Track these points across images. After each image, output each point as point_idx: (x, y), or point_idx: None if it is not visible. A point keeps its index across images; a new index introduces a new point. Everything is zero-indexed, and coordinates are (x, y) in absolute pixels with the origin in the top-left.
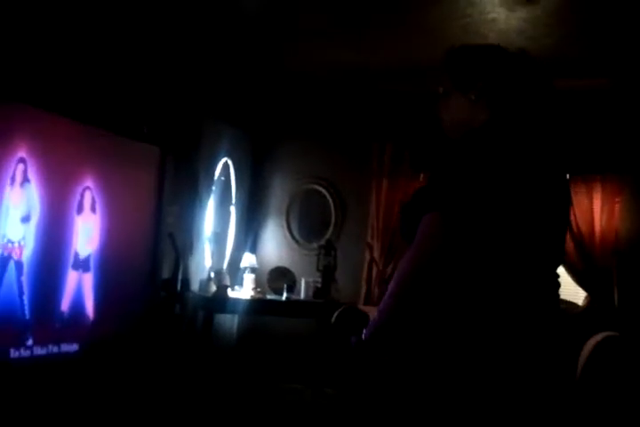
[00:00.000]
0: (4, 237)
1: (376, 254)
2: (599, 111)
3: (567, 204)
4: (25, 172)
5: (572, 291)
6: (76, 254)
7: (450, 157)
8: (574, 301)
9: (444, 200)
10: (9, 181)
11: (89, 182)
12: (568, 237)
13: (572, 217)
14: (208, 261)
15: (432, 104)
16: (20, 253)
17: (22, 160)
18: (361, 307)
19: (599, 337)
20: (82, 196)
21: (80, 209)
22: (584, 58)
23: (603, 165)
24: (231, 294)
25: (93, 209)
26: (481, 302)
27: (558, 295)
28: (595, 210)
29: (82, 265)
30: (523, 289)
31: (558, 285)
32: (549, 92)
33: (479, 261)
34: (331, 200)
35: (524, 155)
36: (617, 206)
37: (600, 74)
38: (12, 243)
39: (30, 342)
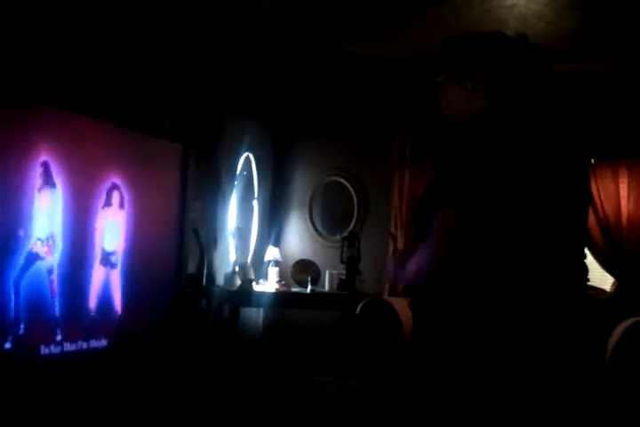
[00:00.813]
0: (32, 235)
1: (400, 245)
2: (623, 95)
3: (585, 187)
4: (50, 172)
5: (599, 277)
6: (104, 251)
7: (456, 148)
8: (602, 287)
9: (457, 196)
10: (37, 182)
11: (114, 180)
12: (594, 222)
13: (598, 202)
14: (232, 256)
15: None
16: (49, 252)
17: (46, 160)
18: (386, 298)
19: (628, 323)
20: (107, 194)
21: (106, 207)
22: (606, 41)
23: (628, 149)
24: (256, 287)
25: (120, 206)
26: (507, 290)
27: (586, 280)
28: (621, 195)
29: (109, 262)
30: (547, 276)
31: (586, 270)
32: (547, 77)
33: (499, 254)
34: (353, 192)
35: (528, 141)
36: None
37: (623, 56)
38: (42, 241)
39: (60, 338)
